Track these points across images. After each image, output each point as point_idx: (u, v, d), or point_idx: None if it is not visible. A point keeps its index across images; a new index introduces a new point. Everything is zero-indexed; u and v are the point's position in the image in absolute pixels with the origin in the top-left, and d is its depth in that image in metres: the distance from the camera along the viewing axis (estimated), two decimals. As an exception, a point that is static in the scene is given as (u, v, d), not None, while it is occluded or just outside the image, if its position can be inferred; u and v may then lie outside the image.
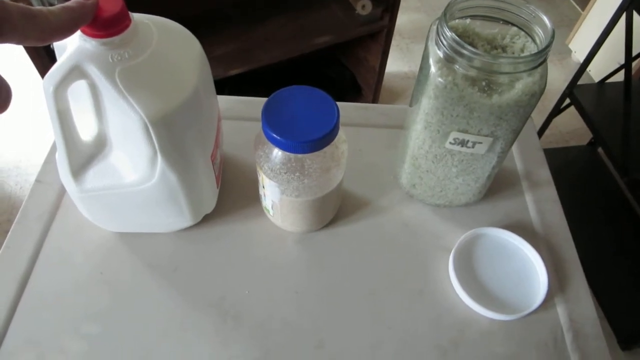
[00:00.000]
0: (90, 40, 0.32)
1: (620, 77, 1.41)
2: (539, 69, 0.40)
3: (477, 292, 0.46)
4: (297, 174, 0.40)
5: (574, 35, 2.06)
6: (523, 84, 0.39)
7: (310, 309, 0.46)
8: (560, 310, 0.47)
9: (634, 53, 1.27)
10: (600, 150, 1.63)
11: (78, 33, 0.32)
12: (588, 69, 1.64)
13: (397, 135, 0.57)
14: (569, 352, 0.45)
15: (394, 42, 1.98)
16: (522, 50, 0.43)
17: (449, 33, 0.39)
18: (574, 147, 1.67)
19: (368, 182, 0.55)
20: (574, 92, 1.41)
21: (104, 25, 0.32)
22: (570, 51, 2.09)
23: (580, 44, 2.03)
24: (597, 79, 1.49)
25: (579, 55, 2.02)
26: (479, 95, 0.40)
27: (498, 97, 0.40)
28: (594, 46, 1.31)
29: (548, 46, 0.38)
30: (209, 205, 0.49)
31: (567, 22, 2.22)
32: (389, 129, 0.60)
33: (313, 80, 1.63)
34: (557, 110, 1.49)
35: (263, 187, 0.45)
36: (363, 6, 1.37)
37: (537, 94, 0.40)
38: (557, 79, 1.97)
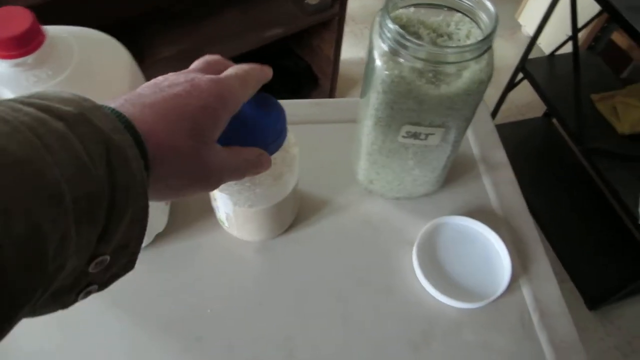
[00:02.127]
0: (0, 62, 0.29)
1: (569, 48, 1.44)
2: (485, 56, 0.39)
3: (443, 283, 0.46)
4: (248, 184, 0.38)
5: (522, 9, 2.10)
6: (470, 72, 0.39)
7: (277, 320, 0.44)
8: (526, 292, 0.47)
9: (580, 24, 1.29)
10: (555, 120, 1.67)
11: (-15, 56, 0.29)
12: (538, 42, 1.67)
13: (352, 129, 0.56)
14: (537, 332, 0.45)
15: (348, 29, 1.96)
16: (467, 36, 0.42)
17: (391, 25, 0.38)
18: (530, 120, 1.71)
19: (325, 181, 0.53)
20: (525, 66, 1.43)
21: (13, 44, 0.29)
22: (520, 25, 2.13)
23: (528, 18, 2.07)
24: (547, 52, 1.52)
25: (529, 29, 2.06)
26: (427, 87, 0.39)
27: (446, 87, 0.39)
28: (542, 20, 1.33)
29: (492, 32, 0.38)
30: (160, 224, 0.46)
31: (515, -4, 2.25)
32: (345, 124, 0.58)
33: (268, 73, 1.59)
34: (511, 85, 1.52)
35: (215, 199, 0.43)
36: (312, -5, 1.34)
37: (485, 81, 0.39)
38: (509, 53, 2.00)
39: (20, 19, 0.29)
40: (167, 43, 1.28)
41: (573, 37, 1.27)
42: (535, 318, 0.46)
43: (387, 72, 0.39)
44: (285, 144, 0.39)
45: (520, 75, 1.47)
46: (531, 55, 1.43)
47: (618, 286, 1.23)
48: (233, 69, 0.31)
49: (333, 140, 0.57)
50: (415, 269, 0.47)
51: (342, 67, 1.66)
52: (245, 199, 0.40)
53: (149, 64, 1.20)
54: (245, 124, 0.36)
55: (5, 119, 0.18)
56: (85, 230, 0.20)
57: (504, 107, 1.61)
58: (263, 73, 0.34)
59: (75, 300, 0.23)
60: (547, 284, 0.48)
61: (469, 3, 0.42)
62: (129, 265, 0.25)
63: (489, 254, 0.48)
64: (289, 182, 0.42)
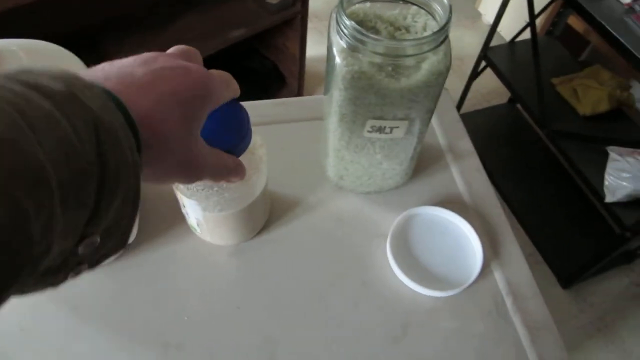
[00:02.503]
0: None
1: (528, 34, 1.47)
2: (442, 47, 0.39)
3: (418, 273, 0.47)
4: (215, 189, 0.38)
5: (481, -1, 2.14)
6: (429, 63, 0.39)
7: (256, 323, 0.44)
8: (498, 276, 0.48)
9: (537, 10, 1.33)
10: (519, 105, 1.71)
11: None
12: (499, 30, 1.70)
13: (319, 127, 0.56)
14: (511, 315, 0.46)
15: (312, 26, 1.96)
16: (424, 29, 0.43)
17: (348, 22, 0.38)
18: (496, 107, 1.75)
19: (296, 180, 0.53)
20: (488, 54, 1.46)
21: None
22: (480, 14, 2.17)
23: (488, 6, 2.10)
24: (508, 39, 1.55)
25: (489, 17, 2.10)
26: (388, 81, 0.39)
27: (406, 80, 0.39)
28: (500, 7, 1.36)
29: (447, 23, 0.38)
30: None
31: (474, -14, 2.29)
32: (311, 122, 0.59)
33: (234, 74, 1.58)
34: (475, 73, 1.55)
35: (184, 206, 0.42)
36: (273, -6, 1.34)
37: (443, 73, 0.40)
38: (472, 42, 2.03)
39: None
40: (128, 50, 1.24)
41: (530, 24, 1.30)
42: (508, 301, 0.47)
43: (347, 68, 0.39)
44: (251, 146, 0.38)
45: (484, 64, 1.50)
46: (493, 43, 1.46)
47: (589, 264, 1.26)
48: (215, 70, 0.32)
49: (300, 138, 0.57)
50: (390, 262, 0.47)
51: (309, 65, 1.66)
52: (214, 203, 0.40)
53: (111, 72, 1.17)
54: (207, 128, 0.35)
55: None
56: (72, 212, 0.19)
57: (469, 95, 1.64)
58: (237, 85, 0.34)
59: (65, 280, 0.23)
60: (518, 267, 0.49)
61: (424, -4, 0.42)
62: (119, 245, 0.25)
63: (461, 241, 0.49)
64: (258, 184, 0.42)
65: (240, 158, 0.37)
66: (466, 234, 0.50)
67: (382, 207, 0.52)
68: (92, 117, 0.20)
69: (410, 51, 0.38)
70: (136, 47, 1.26)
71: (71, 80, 0.21)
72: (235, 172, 0.34)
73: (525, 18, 1.39)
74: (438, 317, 0.45)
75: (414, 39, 0.39)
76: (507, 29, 1.92)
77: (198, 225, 0.44)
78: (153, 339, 0.42)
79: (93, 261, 0.24)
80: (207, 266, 0.47)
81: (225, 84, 0.31)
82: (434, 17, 0.42)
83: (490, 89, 1.86)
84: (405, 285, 0.47)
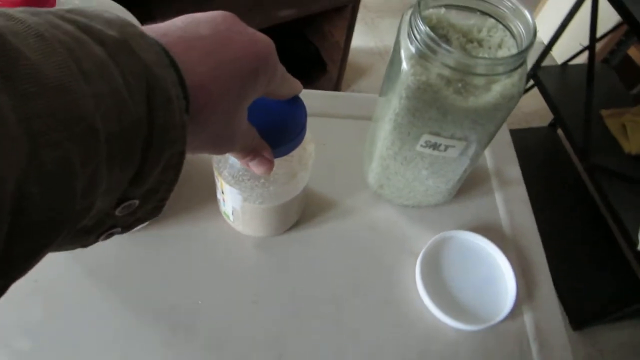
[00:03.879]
0: None
1: (581, 58, 1.41)
2: (519, 70, 0.36)
3: (444, 300, 0.44)
4: (262, 180, 0.36)
5: (537, 14, 2.06)
6: (501, 86, 0.36)
7: (269, 320, 0.42)
8: (527, 319, 0.46)
9: (598, 35, 1.26)
10: (560, 132, 1.65)
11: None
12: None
13: (365, 127, 0.53)
14: (534, 363, 0.44)
15: (359, 16, 1.92)
16: (499, 45, 0.40)
17: (422, 27, 0.35)
18: (536, 129, 1.69)
19: (334, 180, 0.51)
20: (537, 73, 1.41)
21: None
22: (534, 30, 2.09)
23: (543, 24, 2.03)
24: (559, 60, 1.49)
25: (542, 36, 2.03)
26: (454, 98, 0.36)
27: (474, 100, 0.36)
28: (558, 28, 1.31)
29: (529, 46, 0.35)
30: (157, 208, 0.44)
31: (530, 1, 2.21)
32: (357, 120, 0.56)
33: (276, 54, 1.55)
34: (521, 91, 1.49)
35: (222, 192, 0.40)
36: (329, -22, 1.30)
37: (515, 97, 0.37)
38: (521, 58, 1.97)
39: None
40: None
41: (590, 48, 1.23)
42: (534, 348, 0.44)
43: (413, 77, 0.36)
44: (303, 141, 0.36)
45: (531, 82, 1.44)
46: (543, 64, 1.40)
47: (606, 311, 1.21)
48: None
49: (345, 136, 0.54)
50: (417, 283, 0.45)
51: (351, 55, 1.62)
52: (257, 195, 0.38)
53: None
54: (272, 115, 0.33)
55: (43, 35, 0.16)
56: (117, 171, 0.18)
57: (510, 112, 1.58)
58: (299, 85, 0.33)
59: (95, 241, 0.22)
60: (550, 313, 0.46)
61: (505, 10, 0.39)
62: (155, 211, 0.24)
63: (495, 275, 0.47)
64: (302, 181, 0.40)
65: (292, 153, 0.35)
66: (501, 267, 0.47)
67: (418, 224, 0.49)
68: (144, 71, 0.19)
69: (482, 70, 0.35)
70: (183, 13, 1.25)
71: (126, 28, 0.19)
72: (263, 165, 0.32)
73: (580, 41, 1.33)
74: (457, 351, 0.43)
75: (489, 58, 0.36)
76: (558, 50, 1.85)
77: (233, 213, 0.42)
78: (163, 317, 0.41)
79: (127, 225, 0.23)
80: (230, 253, 0.45)
81: (288, 82, 0.30)
82: (512, 35, 0.39)
83: (532, 110, 1.80)
84: (429, 311, 0.44)
